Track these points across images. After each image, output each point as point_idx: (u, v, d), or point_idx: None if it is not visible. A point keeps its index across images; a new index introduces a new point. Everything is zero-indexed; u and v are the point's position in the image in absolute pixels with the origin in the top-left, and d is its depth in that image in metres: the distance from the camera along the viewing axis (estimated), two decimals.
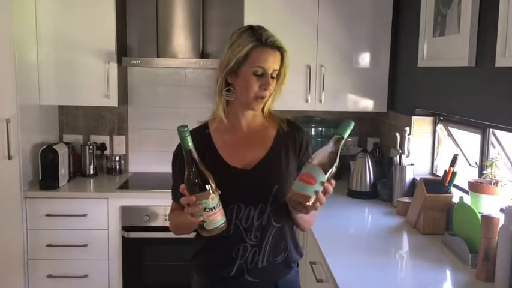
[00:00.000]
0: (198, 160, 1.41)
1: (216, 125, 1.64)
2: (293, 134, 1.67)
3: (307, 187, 1.40)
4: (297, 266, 1.73)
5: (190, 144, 1.40)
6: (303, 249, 1.78)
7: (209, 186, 1.39)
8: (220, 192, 1.43)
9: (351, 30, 3.10)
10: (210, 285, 1.65)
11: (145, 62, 3.25)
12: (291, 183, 1.48)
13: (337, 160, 1.42)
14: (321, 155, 1.43)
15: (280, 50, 1.57)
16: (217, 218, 1.41)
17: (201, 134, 1.62)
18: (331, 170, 1.42)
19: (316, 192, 1.41)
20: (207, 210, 1.38)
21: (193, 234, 1.68)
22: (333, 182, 1.45)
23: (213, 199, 1.39)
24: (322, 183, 1.40)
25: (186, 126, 1.40)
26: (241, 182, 1.57)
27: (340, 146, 1.43)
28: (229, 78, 1.59)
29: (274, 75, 1.58)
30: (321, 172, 1.40)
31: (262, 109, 1.65)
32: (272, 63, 1.55)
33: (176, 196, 1.64)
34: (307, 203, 1.41)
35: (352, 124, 1.44)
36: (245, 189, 1.56)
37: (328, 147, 1.43)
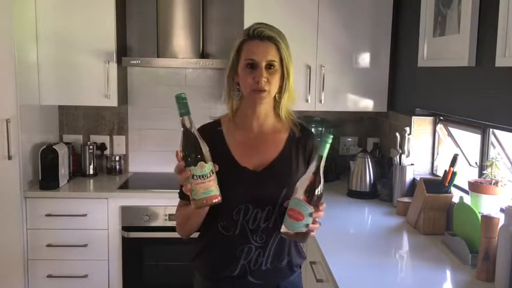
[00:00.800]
0: (193, 128, 1.42)
1: (228, 122, 1.65)
2: (304, 140, 1.66)
3: (297, 224, 1.42)
4: (300, 268, 1.73)
5: (186, 110, 1.41)
6: (305, 252, 1.78)
7: (200, 154, 1.40)
8: (217, 168, 1.43)
9: (351, 30, 3.10)
10: (213, 285, 1.65)
11: (145, 62, 3.25)
12: None
13: (321, 180, 1.42)
14: (303, 182, 1.43)
15: (272, 40, 1.55)
16: (206, 188, 1.39)
17: (213, 130, 1.62)
18: (317, 194, 1.41)
19: (307, 225, 1.43)
20: (195, 177, 1.38)
21: (195, 235, 1.68)
22: (323, 206, 1.46)
23: (202, 167, 1.39)
24: (311, 213, 1.41)
25: (184, 93, 1.41)
26: (251, 183, 1.57)
27: (321, 165, 1.42)
28: (235, 78, 1.60)
29: (274, 66, 1.55)
30: (305, 205, 1.41)
31: (278, 111, 1.64)
32: (263, 54, 1.54)
33: (182, 194, 1.63)
34: (301, 237, 1.45)
35: (330, 138, 1.42)
36: (254, 191, 1.56)
37: (310, 171, 1.43)
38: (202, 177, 1.39)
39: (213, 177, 1.41)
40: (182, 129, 1.42)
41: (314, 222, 1.44)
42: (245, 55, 1.55)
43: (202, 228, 1.64)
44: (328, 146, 1.41)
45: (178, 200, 1.68)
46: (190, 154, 1.39)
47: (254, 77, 1.53)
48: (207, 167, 1.40)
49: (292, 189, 1.49)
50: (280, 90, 1.61)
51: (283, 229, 1.46)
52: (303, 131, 1.68)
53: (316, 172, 1.42)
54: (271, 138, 1.64)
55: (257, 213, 1.57)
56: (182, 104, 1.40)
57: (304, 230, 1.43)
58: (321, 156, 1.42)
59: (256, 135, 1.64)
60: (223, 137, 1.62)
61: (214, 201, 1.41)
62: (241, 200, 1.55)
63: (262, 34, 1.55)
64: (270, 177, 1.58)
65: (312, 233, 1.47)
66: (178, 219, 1.67)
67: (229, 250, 1.59)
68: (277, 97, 1.62)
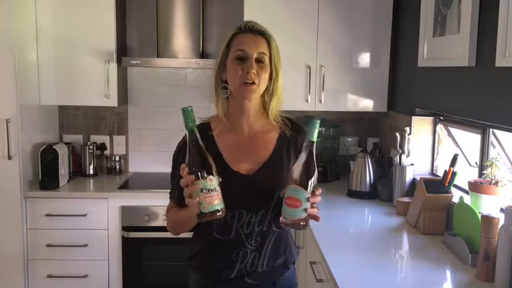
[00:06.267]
0: (200, 141, 1.42)
1: (219, 126, 1.63)
2: (295, 136, 1.65)
3: (295, 211, 1.42)
4: (294, 263, 1.74)
5: (194, 123, 1.41)
6: (299, 249, 1.78)
7: (209, 167, 1.40)
8: (221, 179, 1.42)
9: (351, 30, 3.10)
10: (210, 286, 1.65)
11: (145, 62, 3.25)
12: None
13: (315, 166, 1.42)
14: (297, 169, 1.43)
15: (263, 35, 1.56)
16: (214, 202, 1.40)
17: (204, 134, 1.59)
18: (312, 180, 1.42)
19: (306, 210, 1.42)
20: (204, 191, 1.38)
21: (190, 234, 1.68)
22: (319, 191, 1.45)
23: (211, 181, 1.39)
24: (308, 198, 1.41)
25: (191, 106, 1.41)
26: (243, 188, 1.56)
27: (313, 150, 1.42)
28: (222, 75, 1.59)
29: (264, 60, 1.54)
30: (301, 190, 1.40)
31: (266, 111, 1.63)
32: (254, 46, 1.54)
33: (174, 195, 1.64)
34: (302, 223, 1.44)
35: (317, 123, 1.42)
36: (247, 196, 1.55)
37: (302, 157, 1.43)
38: (211, 190, 1.39)
39: (219, 190, 1.42)
40: (189, 142, 1.42)
41: (312, 207, 1.44)
42: (235, 47, 1.55)
43: (196, 230, 1.64)
44: (316, 130, 1.42)
45: (169, 200, 1.69)
46: (199, 168, 1.39)
47: (243, 68, 1.52)
48: (215, 180, 1.41)
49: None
50: (268, 92, 1.60)
51: (282, 219, 1.45)
52: (293, 128, 1.66)
53: (309, 158, 1.42)
54: (262, 139, 1.63)
55: (251, 217, 1.57)
56: (190, 117, 1.40)
57: (303, 216, 1.42)
58: (312, 142, 1.42)
59: (246, 136, 1.62)
60: (214, 142, 1.60)
61: (218, 214, 1.42)
62: (234, 205, 1.53)
63: (254, 28, 1.56)
64: (262, 180, 1.57)
65: (319, 219, 1.45)
66: (170, 221, 1.69)
67: (225, 254, 1.59)
68: (266, 97, 1.61)
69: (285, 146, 1.63)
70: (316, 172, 1.43)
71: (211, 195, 1.39)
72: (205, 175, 1.39)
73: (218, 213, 1.41)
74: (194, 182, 1.38)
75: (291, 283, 1.72)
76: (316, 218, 1.47)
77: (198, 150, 1.41)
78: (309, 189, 1.41)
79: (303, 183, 1.41)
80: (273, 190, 1.57)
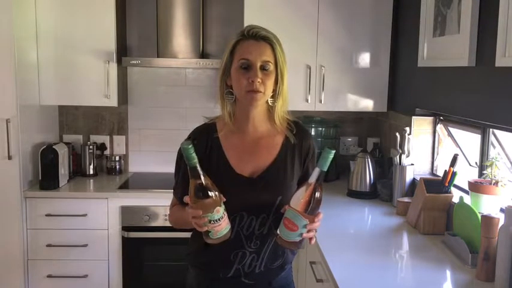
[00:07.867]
0: (202, 174, 1.40)
1: (224, 127, 1.62)
2: (300, 141, 1.64)
3: (291, 234, 1.43)
4: (290, 263, 1.74)
5: (195, 160, 1.39)
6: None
7: (215, 200, 1.39)
8: (225, 199, 1.42)
9: (351, 30, 3.10)
10: (207, 283, 1.66)
11: (145, 62, 3.25)
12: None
13: (321, 194, 1.42)
14: (301, 193, 1.42)
15: (267, 40, 1.53)
16: (222, 228, 1.42)
17: (209, 136, 1.60)
18: (313, 206, 1.41)
19: (301, 235, 1.43)
20: (212, 222, 1.40)
21: (191, 233, 1.68)
22: (319, 217, 1.45)
23: (218, 211, 1.40)
24: (306, 225, 1.42)
25: (190, 143, 1.39)
26: (246, 191, 1.55)
27: (321, 179, 1.41)
28: (228, 81, 1.58)
29: (269, 67, 1.52)
30: (300, 217, 1.41)
31: (272, 115, 1.61)
32: (258, 54, 1.51)
33: (178, 193, 1.63)
34: (294, 246, 1.47)
35: (331, 153, 1.40)
36: (249, 199, 1.55)
37: (310, 182, 1.41)
38: (218, 220, 1.40)
39: (226, 213, 1.43)
40: (191, 177, 1.40)
41: (309, 231, 1.44)
42: (239, 55, 1.52)
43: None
44: (329, 161, 1.41)
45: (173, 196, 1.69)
46: (205, 202, 1.39)
47: (248, 77, 1.50)
48: (222, 209, 1.41)
49: (288, 195, 1.49)
50: (274, 95, 1.58)
51: (278, 234, 1.47)
52: (298, 133, 1.65)
53: (316, 186, 1.41)
54: (267, 143, 1.62)
55: (252, 220, 1.57)
56: (189, 154, 1.38)
57: (297, 240, 1.44)
58: (323, 172, 1.41)
59: (251, 140, 1.61)
60: (219, 143, 1.60)
61: (225, 235, 1.45)
62: (236, 208, 1.53)
63: (257, 34, 1.53)
64: (265, 184, 1.57)
65: (312, 241, 1.47)
66: (173, 218, 1.69)
67: (224, 254, 1.59)
68: (269, 102, 1.59)
69: (290, 151, 1.62)
70: (320, 197, 1.42)
71: (219, 224, 1.41)
72: (213, 208, 1.39)
73: (225, 235, 1.45)
74: (201, 215, 1.38)
75: (287, 281, 1.72)
76: (309, 240, 1.48)
77: (202, 183, 1.39)
78: (309, 212, 1.41)
79: (304, 210, 1.41)
80: (275, 194, 1.56)
